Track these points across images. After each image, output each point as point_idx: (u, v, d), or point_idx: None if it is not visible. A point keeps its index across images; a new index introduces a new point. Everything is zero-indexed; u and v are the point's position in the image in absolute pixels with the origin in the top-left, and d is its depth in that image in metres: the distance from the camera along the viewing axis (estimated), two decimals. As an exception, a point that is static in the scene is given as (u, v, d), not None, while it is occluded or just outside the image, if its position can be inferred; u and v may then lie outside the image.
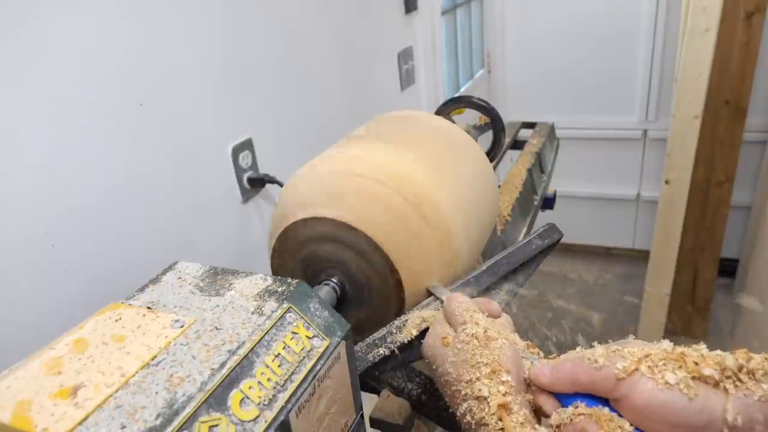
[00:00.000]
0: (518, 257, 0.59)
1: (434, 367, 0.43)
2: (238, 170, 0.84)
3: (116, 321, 0.38)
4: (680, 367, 0.33)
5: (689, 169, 2.24)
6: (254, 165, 0.87)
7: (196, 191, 0.77)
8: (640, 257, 2.89)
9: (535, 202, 1.16)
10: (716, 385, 0.32)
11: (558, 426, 0.36)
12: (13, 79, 0.52)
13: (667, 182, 2.32)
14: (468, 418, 0.38)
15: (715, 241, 2.42)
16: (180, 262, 0.46)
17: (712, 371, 0.32)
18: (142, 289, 0.43)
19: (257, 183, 0.87)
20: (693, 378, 0.32)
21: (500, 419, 0.36)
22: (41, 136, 0.55)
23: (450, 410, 0.54)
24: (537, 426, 0.36)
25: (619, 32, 2.61)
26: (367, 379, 0.57)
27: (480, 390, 0.37)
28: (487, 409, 0.37)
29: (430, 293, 0.56)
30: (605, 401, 0.36)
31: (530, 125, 1.42)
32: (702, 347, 0.35)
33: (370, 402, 0.55)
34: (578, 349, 0.39)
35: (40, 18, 0.53)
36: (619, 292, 2.83)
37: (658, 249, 2.41)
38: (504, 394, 0.37)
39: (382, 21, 1.36)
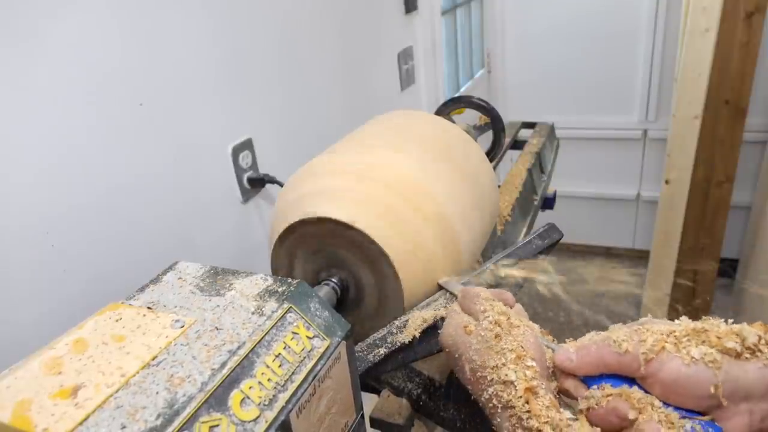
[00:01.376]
0: (518, 257, 0.59)
1: (456, 355, 0.44)
2: (238, 170, 0.84)
3: (116, 321, 0.38)
4: (703, 341, 0.35)
5: (689, 169, 2.25)
6: (254, 165, 0.87)
7: (196, 191, 0.77)
8: (640, 257, 2.89)
9: (535, 202, 1.16)
10: (738, 356, 0.34)
11: (587, 409, 0.37)
12: (13, 80, 0.52)
13: (667, 182, 2.32)
14: (494, 402, 0.38)
15: (715, 241, 2.42)
16: (180, 262, 0.46)
17: (734, 343, 0.34)
18: (142, 289, 0.43)
19: (257, 183, 0.87)
20: (717, 351, 0.34)
21: (527, 402, 0.37)
22: (41, 136, 0.55)
23: (451, 411, 0.54)
24: (561, 410, 0.37)
25: (619, 32, 2.61)
26: (368, 379, 0.57)
27: (506, 375, 0.38)
28: (514, 392, 0.37)
29: (440, 287, 0.56)
30: (630, 380, 0.37)
31: (530, 125, 1.42)
32: (719, 321, 0.37)
33: (370, 402, 0.55)
34: (592, 333, 0.40)
35: (40, 18, 0.53)
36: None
37: (658, 249, 2.42)
38: (531, 379, 0.38)
39: (382, 21, 1.36)
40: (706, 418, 0.34)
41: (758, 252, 2.29)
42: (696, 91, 2.13)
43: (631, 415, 0.34)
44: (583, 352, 0.38)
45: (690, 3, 2.05)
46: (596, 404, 0.36)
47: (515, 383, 0.37)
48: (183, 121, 0.73)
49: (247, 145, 0.85)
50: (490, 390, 0.39)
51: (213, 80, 0.78)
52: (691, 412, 0.34)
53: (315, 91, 1.05)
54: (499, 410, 0.38)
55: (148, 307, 0.40)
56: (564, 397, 0.40)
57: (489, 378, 0.39)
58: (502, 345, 0.40)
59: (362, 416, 0.46)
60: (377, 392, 0.59)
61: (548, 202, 1.22)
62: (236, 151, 0.83)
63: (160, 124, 0.69)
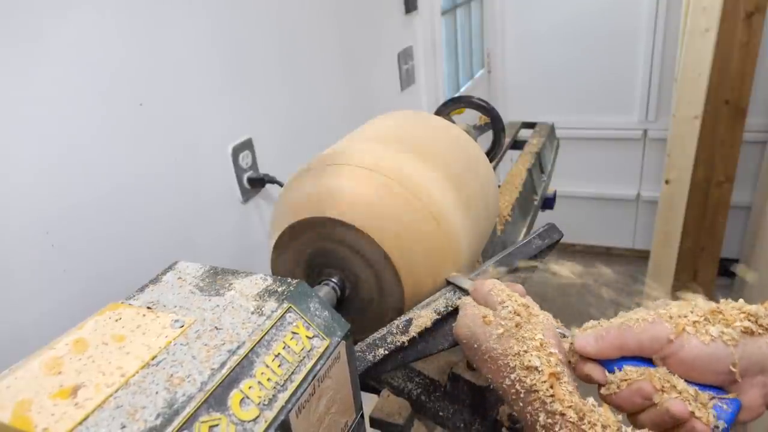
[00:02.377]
0: (518, 257, 0.59)
1: (475, 345, 0.44)
2: (238, 170, 0.84)
3: (116, 321, 0.38)
4: (719, 321, 0.37)
5: (689, 169, 2.24)
6: (254, 165, 0.87)
7: (196, 191, 0.77)
8: (640, 257, 2.89)
9: (535, 202, 1.16)
10: (752, 333, 0.36)
11: (609, 395, 0.38)
12: (14, 80, 0.52)
13: (667, 182, 2.32)
14: (517, 387, 0.40)
15: (715, 241, 2.42)
16: (180, 261, 0.46)
17: (749, 322, 0.36)
18: (142, 289, 0.43)
19: (257, 183, 0.87)
20: (733, 329, 0.36)
21: (551, 387, 0.38)
22: (41, 136, 0.55)
23: (451, 411, 0.54)
24: (585, 398, 0.38)
25: (619, 32, 2.61)
26: (367, 379, 0.57)
27: (530, 361, 0.39)
28: (537, 377, 0.38)
29: (448, 283, 0.57)
30: (649, 361, 0.38)
31: (530, 125, 1.42)
32: (731, 302, 0.38)
33: (370, 402, 0.55)
34: (599, 321, 0.41)
35: (41, 18, 0.53)
36: (619, 292, 2.82)
37: (658, 249, 2.41)
38: (555, 365, 0.39)
39: (382, 21, 1.36)
40: (729, 396, 0.36)
41: (758, 252, 2.29)
42: (696, 91, 2.13)
43: (656, 396, 0.36)
44: (604, 336, 0.39)
45: (690, 3, 2.04)
46: (618, 387, 0.37)
47: (539, 369, 0.39)
48: (183, 121, 0.73)
49: (247, 145, 0.86)
50: (512, 376, 0.40)
51: (213, 80, 0.78)
52: (708, 387, 0.36)
53: (315, 91, 1.05)
54: (521, 395, 0.39)
55: (148, 307, 0.40)
56: (583, 382, 0.41)
57: (512, 365, 0.40)
58: (523, 333, 0.41)
59: (362, 416, 0.46)
60: (377, 392, 0.59)
61: (548, 202, 1.22)
62: (236, 151, 0.83)
63: (160, 124, 0.69)
